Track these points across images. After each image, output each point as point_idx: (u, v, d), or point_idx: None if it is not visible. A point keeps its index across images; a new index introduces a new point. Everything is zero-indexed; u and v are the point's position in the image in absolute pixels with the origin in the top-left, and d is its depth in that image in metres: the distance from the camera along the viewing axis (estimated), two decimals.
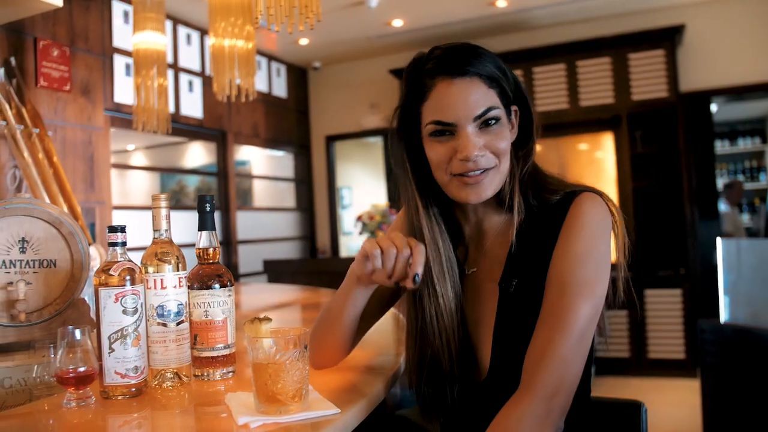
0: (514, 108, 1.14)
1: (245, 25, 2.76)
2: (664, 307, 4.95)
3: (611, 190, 5.28)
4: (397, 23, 5.30)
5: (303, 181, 6.58)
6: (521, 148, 1.15)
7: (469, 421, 1.16)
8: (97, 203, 3.96)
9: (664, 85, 4.98)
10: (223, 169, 5.47)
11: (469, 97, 1.06)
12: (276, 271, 5.28)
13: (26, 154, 3.26)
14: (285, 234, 6.25)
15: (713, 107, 5.83)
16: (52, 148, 3.47)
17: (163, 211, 1.17)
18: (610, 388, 4.70)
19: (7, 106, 3.29)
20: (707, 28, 5.13)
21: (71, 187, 3.62)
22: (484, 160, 1.07)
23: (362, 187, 7.80)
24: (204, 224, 1.21)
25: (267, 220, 6.05)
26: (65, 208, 3.33)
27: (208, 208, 1.21)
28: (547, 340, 0.99)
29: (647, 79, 5.04)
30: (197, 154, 6.36)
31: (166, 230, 1.17)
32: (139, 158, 7.18)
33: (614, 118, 5.16)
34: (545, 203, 1.11)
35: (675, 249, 5.04)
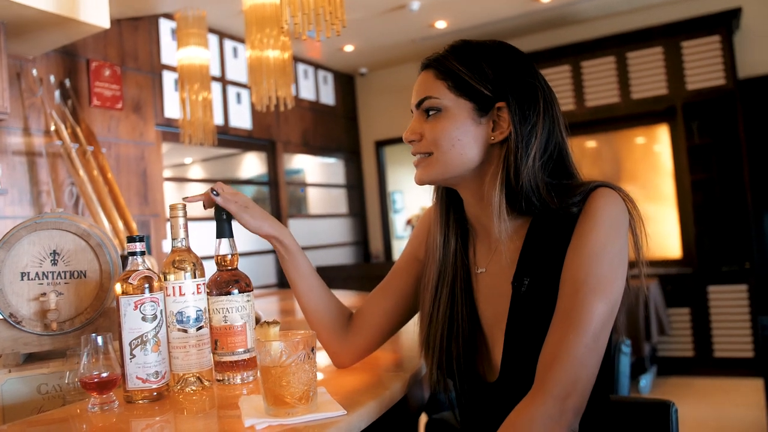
0: (500, 105, 1.09)
1: (280, 36, 2.81)
2: (729, 303, 4.75)
3: (668, 184, 5.12)
4: (441, 24, 5.28)
5: (354, 186, 6.64)
6: (512, 152, 1.08)
7: (483, 421, 1.14)
8: (152, 216, 4.09)
9: (720, 73, 4.80)
10: (273, 178, 5.56)
11: (417, 87, 1.16)
12: (328, 277, 5.29)
13: (82, 171, 3.40)
14: (338, 240, 6.31)
15: None
16: (106, 164, 3.62)
17: (180, 221, 1.20)
18: (673, 389, 4.54)
19: (62, 126, 3.44)
20: (766, 10, 4.91)
21: (126, 201, 3.77)
22: (418, 145, 1.15)
23: (414, 190, 7.81)
24: (222, 232, 1.24)
25: (320, 227, 6.13)
26: (120, 223, 3.46)
27: (224, 216, 1.24)
28: (560, 340, 0.97)
29: (702, 67, 4.86)
30: (252, 165, 6.51)
31: (184, 238, 1.21)
32: (196, 171, 7.41)
33: (668, 110, 5.00)
34: (556, 204, 1.06)
35: (738, 243, 4.83)
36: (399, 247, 7.06)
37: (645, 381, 4.42)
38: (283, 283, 5.46)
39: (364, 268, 5.62)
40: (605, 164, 5.38)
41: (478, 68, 1.10)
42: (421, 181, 1.17)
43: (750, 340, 4.67)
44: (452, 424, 1.70)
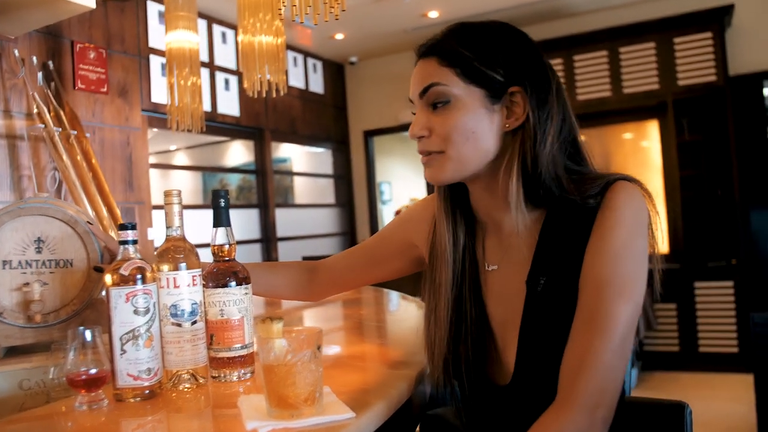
0: (514, 89, 1.01)
1: (274, 21, 2.73)
2: (716, 299, 4.76)
3: (657, 180, 5.10)
4: (433, 14, 5.22)
5: (342, 176, 6.56)
6: (529, 138, 1.02)
7: (492, 425, 1.09)
8: (137, 203, 4.00)
9: (712, 69, 4.78)
10: (261, 167, 5.48)
11: (418, 75, 1.06)
12: None
13: (65, 156, 3.30)
14: (325, 230, 6.25)
15: (766, 91, 5.58)
16: (90, 149, 3.51)
17: (175, 208, 1.13)
18: (659, 384, 4.55)
19: (45, 109, 3.33)
20: (757, 8, 4.90)
21: (110, 187, 3.66)
22: (427, 142, 1.05)
23: (402, 181, 7.76)
24: (219, 220, 1.17)
25: (307, 217, 6.06)
26: (104, 210, 3.36)
27: (222, 204, 1.17)
28: (586, 347, 0.91)
29: (694, 63, 4.85)
30: (238, 153, 6.42)
31: (179, 227, 1.14)
32: (181, 158, 7.30)
33: (659, 105, 4.98)
34: (575, 194, 1.00)
35: (726, 240, 4.84)
36: None
37: (630, 376, 4.41)
38: None
39: None
40: (595, 159, 5.27)
41: (487, 52, 1.02)
42: (434, 181, 1.07)
43: (735, 336, 4.69)
44: (448, 420, 1.65)
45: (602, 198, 0.98)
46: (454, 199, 1.14)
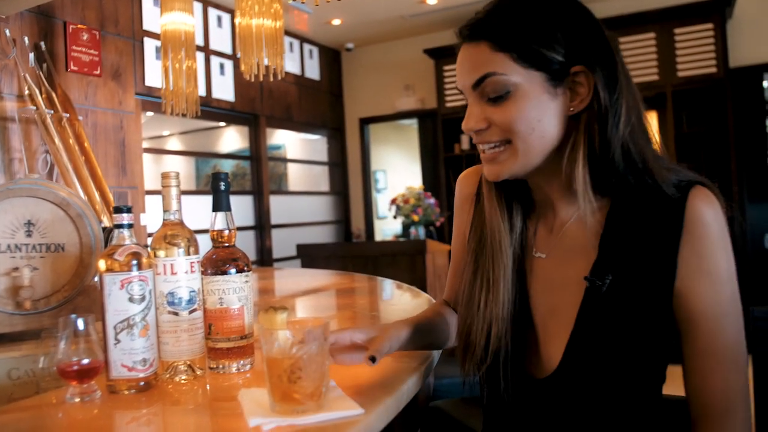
0: (577, 69, 0.93)
1: (273, 4, 2.67)
2: None
3: None
4: (432, 1, 5.15)
5: (337, 164, 6.50)
6: (597, 121, 0.93)
7: (520, 419, 1.04)
8: (130, 188, 3.93)
9: (712, 61, 4.74)
10: (255, 153, 5.41)
11: (467, 63, 0.95)
12: (310, 256, 5.21)
13: (57, 139, 3.22)
14: (319, 218, 6.19)
15: (766, 83, 5.55)
16: (82, 133, 3.44)
17: (173, 191, 1.08)
18: None
19: (37, 91, 3.26)
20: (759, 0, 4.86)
21: (103, 172, 3.59)
22: (486, 134, 0.95)
23: (397, 170, 7.70)
24: (219, 204, 1.12)
25: (301, 204, 6.00)
26: (96, 194, 3.29)
27: (222, 187, 1.12)
28: (730, 386, 0.93)
29: (694, 54, 4.81)
30: (232, 139, 6.34)
31: (177, 211, 1.09)
32: (174, 144, 7.21)
33: (658, 97, 4.93)
34: (647, 188, 0.93)
35: None
36: (381, 227, 6.94)
37: None
38: (263, 260, 5.34)
39: (346, 248, 5.50)
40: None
41: (543, 29, 0.92)
42: (497, 178, 0.97)
43: None
44: (449, 413, 1.61)
45: (684, 202, 0.92)
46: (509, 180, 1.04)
